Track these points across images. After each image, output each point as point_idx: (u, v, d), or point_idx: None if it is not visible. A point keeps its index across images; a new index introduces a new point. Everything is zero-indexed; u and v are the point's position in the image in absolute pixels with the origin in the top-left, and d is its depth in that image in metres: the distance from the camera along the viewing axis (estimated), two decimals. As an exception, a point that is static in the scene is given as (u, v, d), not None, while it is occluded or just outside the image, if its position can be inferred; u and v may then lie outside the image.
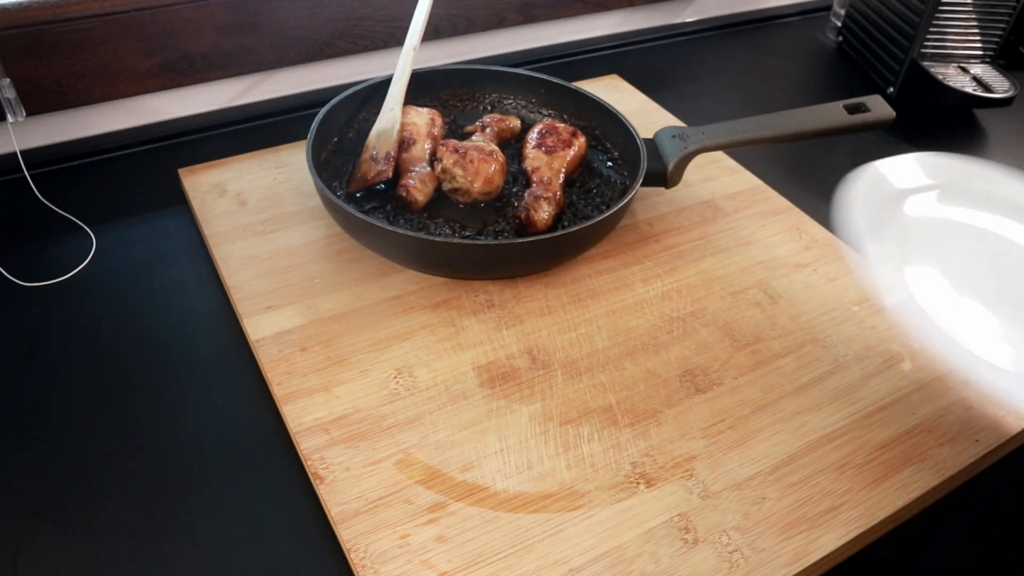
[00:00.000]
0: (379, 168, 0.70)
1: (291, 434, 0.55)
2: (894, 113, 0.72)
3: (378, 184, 0.70)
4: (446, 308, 0.64)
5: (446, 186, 0.69)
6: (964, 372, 0.51)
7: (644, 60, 1.05)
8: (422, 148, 0.72)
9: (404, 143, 0.72)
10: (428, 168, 0.70)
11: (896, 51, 0.97)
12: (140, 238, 0.71)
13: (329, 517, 0.50)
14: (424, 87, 0.80)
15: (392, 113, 0.72)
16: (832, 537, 0.48)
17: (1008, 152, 0.92)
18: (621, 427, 0.56)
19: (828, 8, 1.17)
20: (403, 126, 0.73)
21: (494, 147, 0.70)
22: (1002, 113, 0.97)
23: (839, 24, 1.11)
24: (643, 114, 0.90)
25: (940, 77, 0.94)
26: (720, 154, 0.84)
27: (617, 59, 1.03)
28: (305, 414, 0.55)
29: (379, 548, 0.48)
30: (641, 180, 0.69)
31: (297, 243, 0.69)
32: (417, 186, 0.69)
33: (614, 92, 0.94)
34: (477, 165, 0.68)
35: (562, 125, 0.75)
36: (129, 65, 0.78)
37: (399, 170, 0.71)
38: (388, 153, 0.71)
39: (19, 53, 0.72)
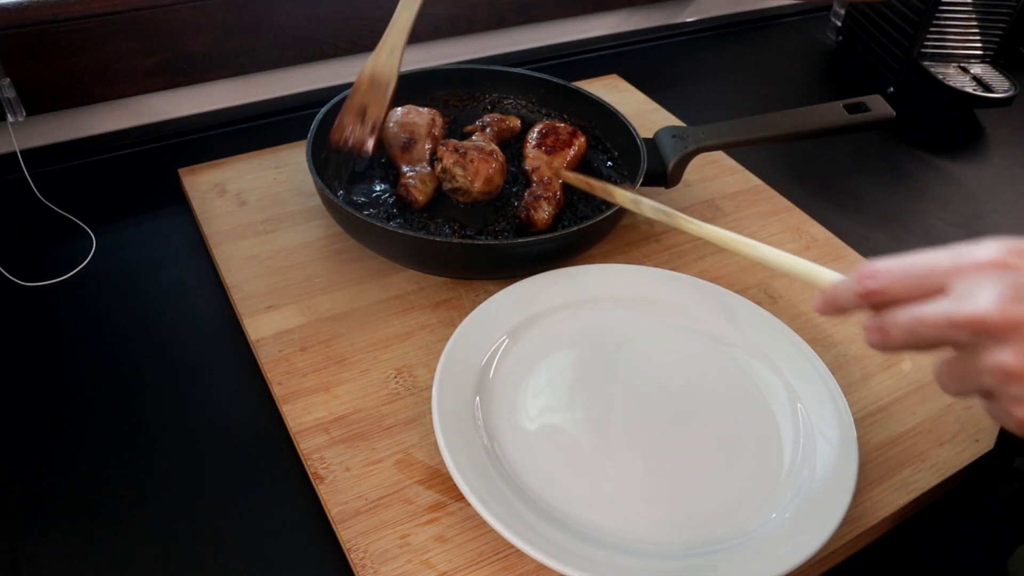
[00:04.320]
0: (362, 136, 0.65)
1: (291, 434, 0.55)
2: (894, 112, 0.72)
3: (356, 157, 0.64)
4: (446, 308, 0.64)
5: (446, 186, 0.69)
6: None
7: (644, 60, 1.05)
8: (422, 148, 0.72)
9: (404, 143, 0.72)
10: (428, 168, 0.70)
11: (896, 51, 0.97)
12: (140, 238, 0.71)
13: (329, 517, 0.50)
14: (424, 87, 0.79)
15: (391, 60, 0.65)
16: (832, 536, 0.48)
17: (1008, 152, 0.92)
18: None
19: (828, 8, 1.17)
20: (403, 126, 0.73)
21: (494, 147, 0.70)
22: (1002, 113, 0.97)
23: (839, 24, 1.11)
24: (643, 114, 0.90)
25: (940, 77, 0.94)
26: (720, 154, 0.84)
27: (617, 59, 1.03)
28: (305, 414, 0.55)
29: (379, 548, 0.48)
30: (641, 180, 0.69)
31: (297, 243, 0.69)
32: (417, 186, 0.69)
33: (614, 92, 0.94)
34: (477, 165, 0.68)
35: (562, 125, 0.75)
36: (129, 65, 0.78)
37: (397, 169, 0.71)
38: (376, 121, 0.65)
39: (19, 53, 0.72)
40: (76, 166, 0.78)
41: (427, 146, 0.72)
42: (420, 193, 0.69)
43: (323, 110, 0.72)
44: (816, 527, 0.48)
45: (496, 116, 0.78)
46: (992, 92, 0.92)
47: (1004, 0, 0.93)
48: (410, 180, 0.69)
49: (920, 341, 0.34)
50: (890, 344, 0.35)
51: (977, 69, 0.96)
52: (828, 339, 0.64)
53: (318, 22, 0.85)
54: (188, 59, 0.81)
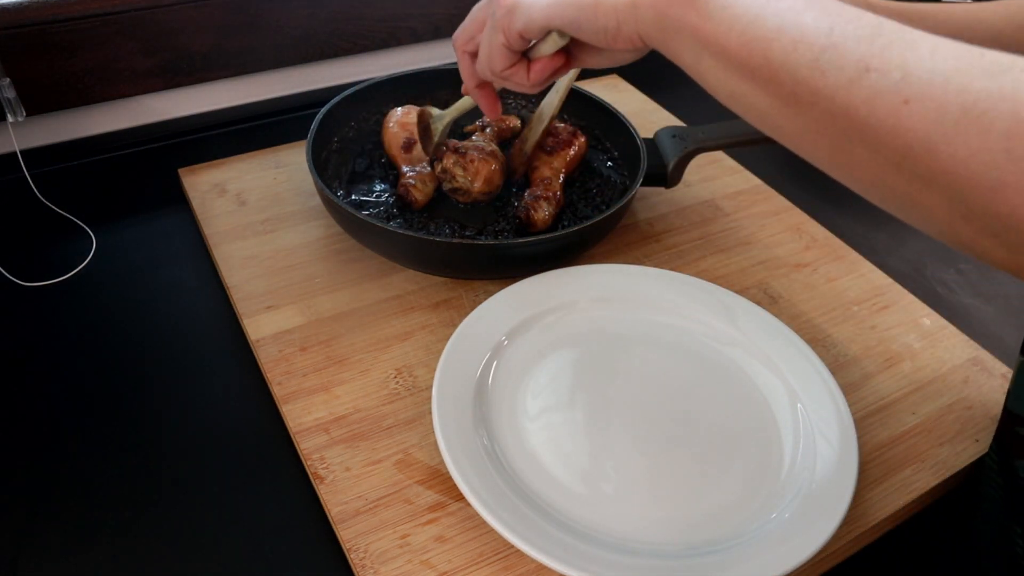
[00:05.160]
0: (517, 161, 0.73)
1: (291, 434, 0.55)
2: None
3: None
4: (446, 308, 0.64)
5: (446, 186, 0.69)
6: None
7: (644, 60, 1.04)
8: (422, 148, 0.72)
9: (404, 143, 0.72)
10: (428, 168, 0.70)
11: (896, 51, 0.97)
12: (140, 238, 0.71)
13: (329, 517, 0.50)
14: (424, 87, 0.79)
15: (552, 99, 0.73)
16: (832, 536, 0.48)
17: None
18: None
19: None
20: (403, 126, 0.73)
21: (494, 147, 0.70)
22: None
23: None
24: (643, 114, 0.90)
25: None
26: (720, 154, 0.84)
27: (617, 59, 1.03)
28: (305, 414, 0.55)
29: (379, 548, 0.48)
30: (641, 180, 0.69)
31: (297, 243, 0.69)
32: (417, 186, 0.69)
33: (614, 92, 0.94)
34: (477, 165, 0.68)
35: (562, 125, 0.75)
36: (129, 65, 0.78)
37: (397, 169, 0.71)
38: (526, 151, 0.73)
39: (19, 53, 0.72)
40: (76, 166, 0.78)
41: (427, 146, 0.72)
42: (420, 193, 0.69)
43: (323, 110, 0.72)
44: (816, 527, 0.48)
45: None
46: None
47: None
48: (410, 180, 0.69)
49: (493, 39, 0.47)
50: (484, 65, 0.49)
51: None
52: (828, 339, 0.64)
53: (318, 22, 0.85)
54: (188, 59, 0.81)
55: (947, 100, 0.30)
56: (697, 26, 0.38)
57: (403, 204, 0.69)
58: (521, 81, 0.49)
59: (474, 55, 0.51)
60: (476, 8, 0.50)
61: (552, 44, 0.47)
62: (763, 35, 0.36)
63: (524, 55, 0.49)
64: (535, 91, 0.50)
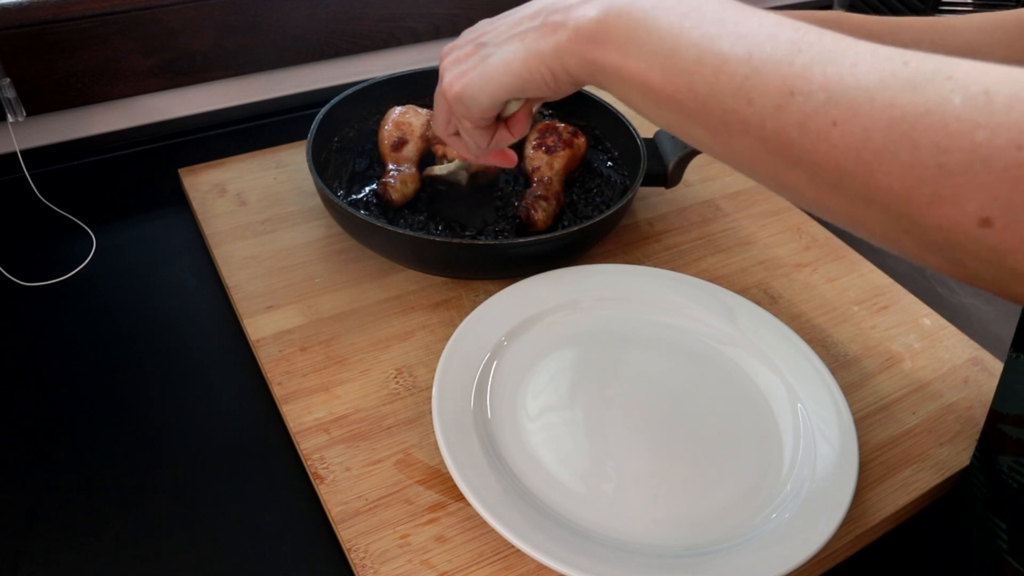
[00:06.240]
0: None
1: (291, 434, 0.55)
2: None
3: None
4: (446, 308, 0.64)
5: (464, 174, 0.70)
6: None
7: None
8: (412, 149, 0.72)
9: (395, 142, 0.72)
10: (413, 169, 0.70)
11: (896, 51, 0.97)
12: (140, 238, 0.71)
13: (329, 517, 0.50)
14: (424, 87, 0.79)
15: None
16: (832, 536, 0.48)
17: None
18: (621, 427, 0.56)
19: (828, 8, 1.17)
20: (397, 125, 0.73)
21: None
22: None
23: (839, 24, 1.11)
24: (643, 114, 0.90)
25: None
26: (720, 154, 0.84)
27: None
28: (305, 414, 0.55)
29: (379, 548, 0.48)
30: (641, 180, 0.69)
31: (297, 243, 0.69)
32: (396, 186, 0.69)
33: (614, 92, 0.94)
34: None
35: (562, 125, 0.75)
36: (129, 65, 0.78)
37: (384, 166, 0.72)
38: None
39: (19, 53, 0.72)
40: (76, 166, 0.78)
41: (418, 147, 0.72)
42: (397, 193, 0.69)
43: (323, 110, 0.72)
44: (816, 527, 0.48)
45: None
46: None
47: (1004, 1, 0.93)
48: (389, 179, 0.69)
49: (463, 126, 0.50)
50: (473, 147, 0.51)
51: (977, 69, 0.96)
52: (828, 339, 0.64)
53: (318, 22, 0.85)
54: (188, 59, 0.81)
55: (874, 117, 0.30)
56: (619, 65, 0.38)
57: (381, 201, 0.69)
58: (508, 140, 0.50)
59: (458, 134, 0.52)
60: (435, 97, 0.51)
61: (514, 104, 0.48)
62: (684, 67, 0.36)
63: (498, 118, 0.49)
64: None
